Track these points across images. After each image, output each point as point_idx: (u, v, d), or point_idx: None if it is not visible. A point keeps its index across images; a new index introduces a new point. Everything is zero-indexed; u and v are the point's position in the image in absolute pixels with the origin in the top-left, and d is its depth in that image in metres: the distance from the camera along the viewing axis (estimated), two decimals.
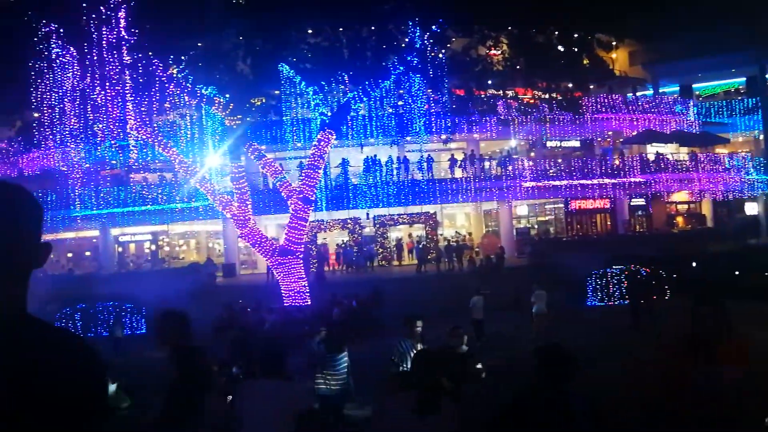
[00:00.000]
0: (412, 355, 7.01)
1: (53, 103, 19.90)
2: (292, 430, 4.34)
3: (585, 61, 35.39)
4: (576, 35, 35.00)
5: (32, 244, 1.39)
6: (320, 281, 23.52)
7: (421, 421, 3.81)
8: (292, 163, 28.19)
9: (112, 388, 8.77)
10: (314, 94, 21.03)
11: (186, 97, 19.44)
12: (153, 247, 33.51)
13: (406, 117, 24.96)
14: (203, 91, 19.26)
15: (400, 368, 7.06)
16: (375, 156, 28.73)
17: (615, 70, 38.65)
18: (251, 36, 20.56)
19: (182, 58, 19.33)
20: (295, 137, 26.01)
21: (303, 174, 21.12)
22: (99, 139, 19.94)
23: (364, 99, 21.73)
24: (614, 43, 38.62)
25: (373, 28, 22.14)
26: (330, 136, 20.56)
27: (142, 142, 20.19)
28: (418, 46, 20.87)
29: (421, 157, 28.72)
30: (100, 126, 19.23)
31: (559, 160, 31.62)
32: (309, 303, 19.41)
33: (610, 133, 33.97)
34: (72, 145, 21.66)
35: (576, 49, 34.92)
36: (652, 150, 33.41)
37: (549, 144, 34.06)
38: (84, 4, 18.09)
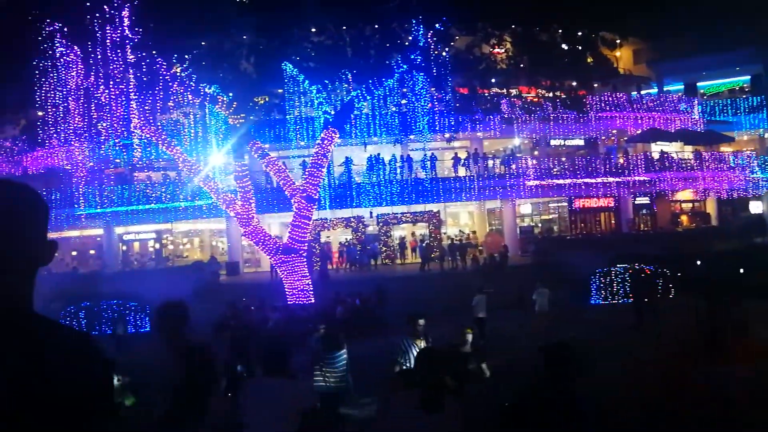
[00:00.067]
0: (415, 353, 7.02)
1: (57, 102, 19.97)
2: (296, 429, 4.33)
3: (589, 60, 35.35)
4: (580, 33, 34.92)
5: (39, 241, 1.39)
6: (324, 279, 23.54)
7: (425, 419, 3.81)
8: (295, 161, 28.21)
9: (116, 385, 8.81)
10: (317, 93, 21.05)
11: (190, 96, 19.48)
12: (157, 246, 33.59)
13: (409, 115, 24.95)
14: (207, 90, 19.29)
15: (403, 367, 7.06)
16: (378, 155, 28.72)
17: (619, 69, 38.59)
18: (255, 35, 20.58)
19: (186, 56, 19.37)
20: (298, 136, 26.02)
21: (306, 172, 21.13)
22: (103, 137, 20.00)
23: (368, 97, 21.73)
24: (618, 42, 38.59)
25: (376, 26, 22.15)
26: (333, 134, 20.56)
27: (146, 140, 20.24)
28: (421, 44, 20.86)
29: (425, 155, 28.69)
30: (104, 124, 19.28)
31: (563, 159, 31.57)
32: (312, 301, 19.43)
33: (614, 131, 33.89)
34: (76, 144, 21.70)
35: (580, 48, 34.86)
36: (656, 148, 33.33)
37: (553, 142, 33.99)
38: (88, 3, 18.14)
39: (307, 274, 20.27)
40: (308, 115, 23.98)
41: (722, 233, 28.95)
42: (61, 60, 18.97)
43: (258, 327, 15.24)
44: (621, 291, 20.89)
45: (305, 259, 20.49)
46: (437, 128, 27.83)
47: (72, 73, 19.03)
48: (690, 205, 36.59)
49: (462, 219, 35.87)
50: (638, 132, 32.73)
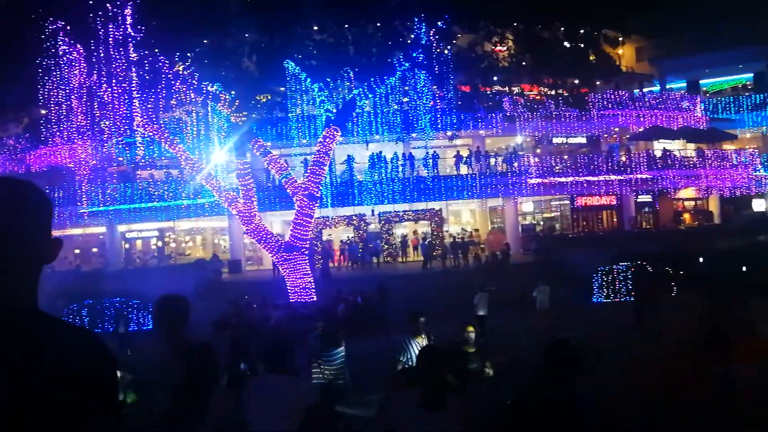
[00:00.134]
0: (416, 351, 7.03)
1: (60, 100, 20.01)
2: (298, 426, 4.35)
3: (591, 57, 35.29)
4: (582, 31, 34.86)
5: (43, 239, 1.40)
6: (325, 278, 23.57)
7: (427, 417, 3.82)
8: (297, 159, 28.22)
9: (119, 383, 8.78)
10: (319, 91, 21.06)
11: (192, 94, 19.50)
12: (159, 244, 33.65)
13: (411, 113, 24.93)
14: (209, 88, 19.31)
15: (405, 365, 7.08)
16: (380, 152, 28.72)
17: (622, 66, 38.52)
18: (257, 33, 20.59)
19: (188, 54, 19.39)
20: (300, 134, 26.03)
21: (308, 170, 21.15)
22: (106, 135, 20.04)
23: (370, 95, 21.73)
24: (621, 39, 38.49)
25: (378, 24, 22.14)
26: (335, 132, 20.57)
27: (148, 138, 20.27)
28: (423, 42, 20.85)
29: (427, 153, 28.69)
30: (107, 123, 19.32)
31: (565, 157, 31.52)
32: (314, 299, 19.46)
33: (616, 129, 33.83)
34: (79, 142, 21.76)
35: (582, 45, 34.81)
36: (658, 146, 33.26)
37: (555, 140, 33.94)
38: (90, 2, 18.16)
39: (309, 272, 20.30)
40: (310, 113, 23.99)
41: (725, 231, 28.90)
42: (64, 58, 19.00)
43: (260, 325, 15.27)
44: (623, 289, 20.88)
45: (307, 257, 20.52)
46: (439, 126, 27.76)
47: (75, 72, 19.06)
48: (692, 203, 36.53)
49: (464, 217, 35.87)
50: (641, 130, 32.68)
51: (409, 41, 21.62)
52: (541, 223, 34.85)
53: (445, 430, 3.86)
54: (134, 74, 18.64)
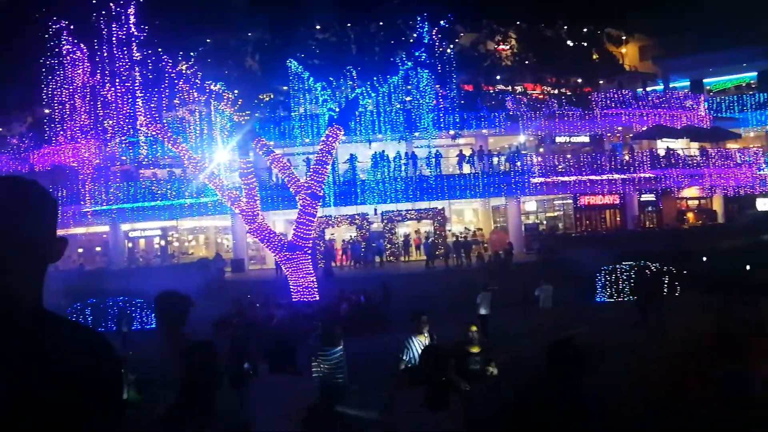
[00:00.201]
0: (419, 350, 7.04)
1: (64, 100, 20.06)
2: (303, 425, 4.34)
3: (594, 56, 35.24)
4: (585, 30, 34.80)
5: (48, 238, 1.39)
6: (328, 277, 23.57)
7: (430, 416, 3.82)
8: (300, 158, 28.23)
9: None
10: (322, 90, 21.06)
11: (195, 93, 19.52)
12: (162, 243, 33.71)
13: (414, 112, 24.93)
14: (212, 87, 19.33)
15: (407, 364, 7.08)
16: (383, 152, 28.70)
17: (625, 65, 38.47)
18: (260, 32, 20.61)
19: (192, 54, 19.41)
20: (303, 133, 26.02)
21: (311, 169, 21.16)
22: (109, 135, 20.08)
23: (372, 94, 21.73)
24: (624, 38, 38.44)
25: (381, 23, 22.14)
26: (338, 131, 20.57)
27: (151, 137, 20.31)
28: (426, 41, 20.83)
29: (429, 152, 28.66)
30: (110, 122, 19.36)
31: (568, 156, 31.45)
32: (317, 298, 19.46)
33: (619, 128, 33.76)
34: (82, 141, 21.80)
35: (585, 44, 34.75)
36: (662, 145, 33.17)
37: (558, 139, 33.90)
38: (94, 1, 18.20)
39: (312, 272, 20.30)
40: (313, 112, 24.00)
41: (729, 230, 28.82)
42: (68, 58, 19.05)
43: (263, 324, 15.28)
44: (626, 288, 20.85)
45: (310, 256, 20.52)
46: (442, 125, 27.80)
47: (78, 71, 19.11)
48: (696, 202, 36.43)
49: (467, 216, 35.83)
50: (644, 129, 32.60)
51: (411, 40, 21.62)
52: (544, 222, 34.81)
53: (448, 429, 3.85)
54: (137, 73, 18.68)
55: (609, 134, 34.42)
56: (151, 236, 33.87)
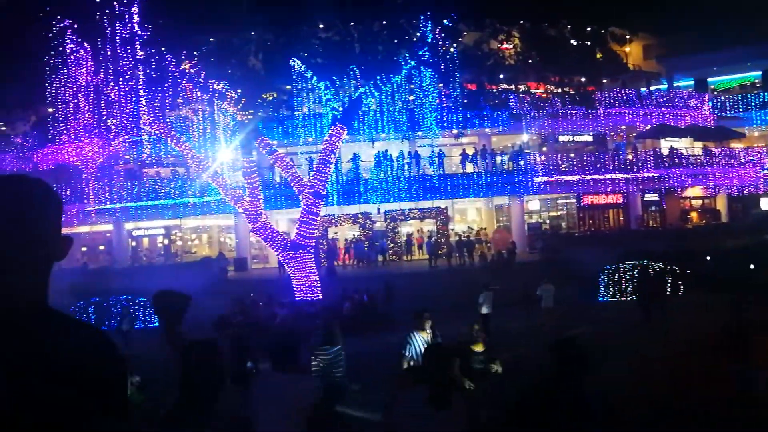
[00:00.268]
0: (420, 346, 7.04)
1: (67, 99, 20.11)
2: (307, 423, 4.34)
3: (598, 55, 35.17)
4: (589, 29, 34.74)
5: (53, 237, 1.39)
6: (331, 276, 23.59)
7: (432, 416, 3.81)
8: (303, 157, 28.25)
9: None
10: (326, 89, 21.06)
11: (198, 92, 19.55)
12: (166, 242, 33.78)
13: (417, 112, 24.91)
14: (216, 86, 19.35)
15: (410, 362, 7.08)
16: (386, 151, 28.71)
17: (628, 64, 38.38)
18: (263, 31, 20.63)
19: (195, 53, 19.43)
20: (306, 132, 26.03)
21: (314, 169, 21.17)
22: (113, 133, 20.12)
23: (376, 94, 21.72)
24: (628, 37, 38.35)
25: (384, 22, 22.13)
26: (341, 130, 20.58)
27: (155, 137, 20.34)
28: (429, 40, 20.81)
29: (432, 151, 28.65)
30: (114, 121, 19.40)
31: (572, 155, 31.40)
32: (320, 297, 19.48)
33: (623, 127, 33.69)
34: (86, 140, 21.84)
35: (589, 43, 34.70)
36: (666, 145, 33.09)
37: (561, 138, 33.84)
38: (97, 0, 18.23)
39: (315, 271, 20.32)
40: (316, 111, 24.00)
41: (732, 230, 28.74)
42: (71, 57, 19.09)
43: (266, 322, 15.32)
44: (629, 288, 20.81)
45: (313, 255, 20.54)
46: (445, 124, 27.78)
47: (82, 70, 19.15)
48: (700, 201, 36.34)
49: (470, 215, 35.81)
50: (647, 128, 32.52)
51: (415, 39, 21.60)
52: (547, 221, 34.76)
53: (451, 429, 3.85)
54: (141, 72, 18.71)
55: (612, 133, 34.35)
56: (155, 235, 33.95)
